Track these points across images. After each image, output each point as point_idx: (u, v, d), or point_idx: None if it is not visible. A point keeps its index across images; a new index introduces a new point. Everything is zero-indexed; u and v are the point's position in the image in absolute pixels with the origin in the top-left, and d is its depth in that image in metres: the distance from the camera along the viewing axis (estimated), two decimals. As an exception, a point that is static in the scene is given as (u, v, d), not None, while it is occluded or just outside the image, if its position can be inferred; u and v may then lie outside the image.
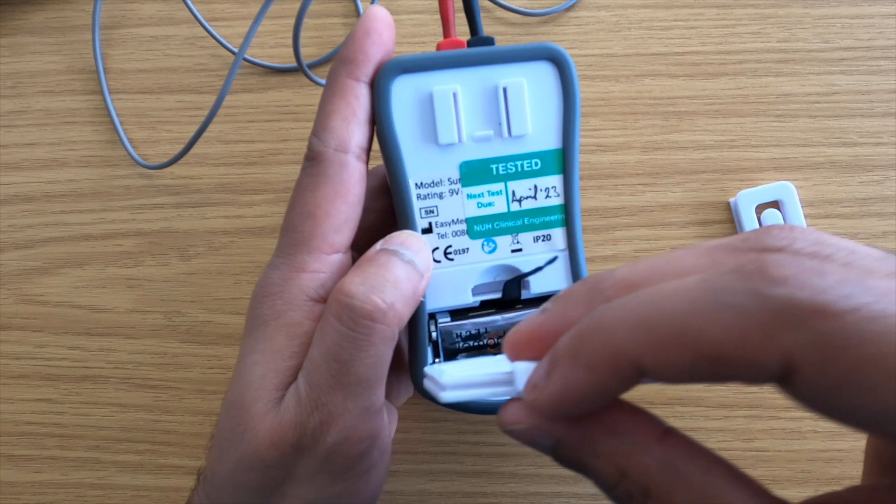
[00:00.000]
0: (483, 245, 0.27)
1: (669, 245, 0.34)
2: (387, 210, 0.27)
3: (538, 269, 0.27)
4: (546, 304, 0.20)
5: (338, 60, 0.25)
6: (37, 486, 0.34)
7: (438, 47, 0.27)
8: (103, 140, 0.36)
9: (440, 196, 0.26)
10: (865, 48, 0.35)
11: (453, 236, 0.27)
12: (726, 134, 0.35)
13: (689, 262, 0.18)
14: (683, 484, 0.18)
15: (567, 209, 0.27)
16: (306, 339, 0.24)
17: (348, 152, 0.25)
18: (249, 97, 0.36)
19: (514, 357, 0.20)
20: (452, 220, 0.27)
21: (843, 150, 0.35)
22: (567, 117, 0.26)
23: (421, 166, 0.26)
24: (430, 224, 0.26)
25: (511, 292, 0.27)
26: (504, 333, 0.28)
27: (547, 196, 0.27)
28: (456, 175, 0.26)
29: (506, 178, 0.26)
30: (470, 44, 0.27)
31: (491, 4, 0.36)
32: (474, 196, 0.27)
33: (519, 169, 0.26)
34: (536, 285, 0.27)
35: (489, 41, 0.27)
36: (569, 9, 0.36)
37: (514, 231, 0.27)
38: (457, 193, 0.26)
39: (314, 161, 0.25)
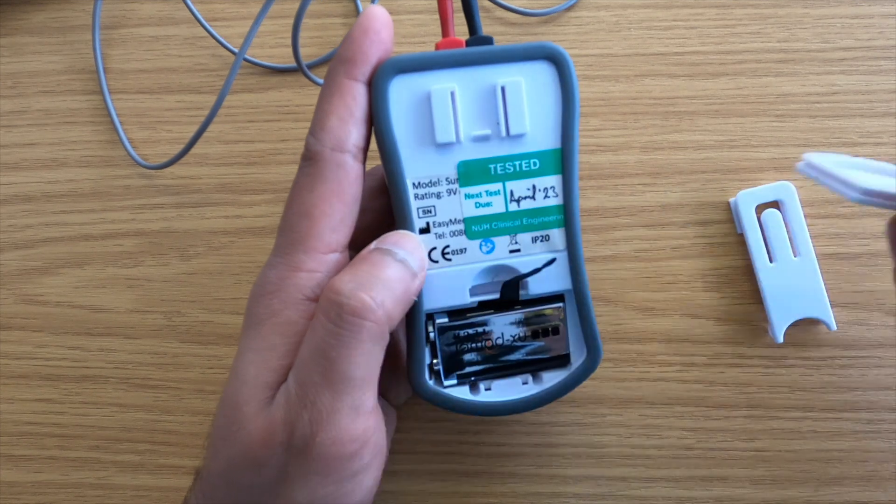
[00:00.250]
0: (481, 245, 0.27)
1: (669, 245, 0.34)
2: (385, 210, 0.27)
3: (536, 270, 0.27)
4: None
5: (336, 60, 0.25)
6: (37, 486, 0.35)
7: (437, 47, 0.27)
8: (103, 140, 0.36)
9: (438, 196, 0.26)
10: (865, 48, 0.35)
11: (451, 236, 0.27)
12: (726, 134, 0.35)
13: None
14: None
15: (566, 209, 0.27)
16: (301, 339, 0.24)
17: (345, 152, 0.25)
18: (249, 97, 0.36)
19: None
20: (450, 220, 0.26)
21: (843, 150, 0.34)
22: (566, 117, 0.26)
23: (418, 166, 0.26)
24: (427, 224, 0.26)
25: (509, 293, 0.27)
26: (502, 334, 0.28)
27: (545, 196, 0.27)
28: (454, 175, 0.26)
29: (504, 177, 0.26)
30: (469, 43, 0.27)
31: (490, 4, 0.36)
32: (472, 196, 0.26)
33: (517, 169, 0.26)
34: (535, 286, 0.27)
35: (488, 41, 0.27)
36: (569, 9, 0.36)
37: (513, 231, 0.27)
38: (455, 193, 0.26)
39: (311, 160, 0.25)
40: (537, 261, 0.27)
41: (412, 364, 0.27)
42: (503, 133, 0.26)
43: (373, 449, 0.25)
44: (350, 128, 0.25)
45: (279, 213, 0.26)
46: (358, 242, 0.26)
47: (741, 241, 0.34)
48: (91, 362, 0.35)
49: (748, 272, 0.34)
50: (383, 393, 0.30)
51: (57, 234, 0.36)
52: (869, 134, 0.34)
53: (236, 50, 0.36)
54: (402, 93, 0.26)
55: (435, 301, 0.27)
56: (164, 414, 0.35)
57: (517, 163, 0.26)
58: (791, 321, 0.33)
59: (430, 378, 0.28)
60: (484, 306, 0.28)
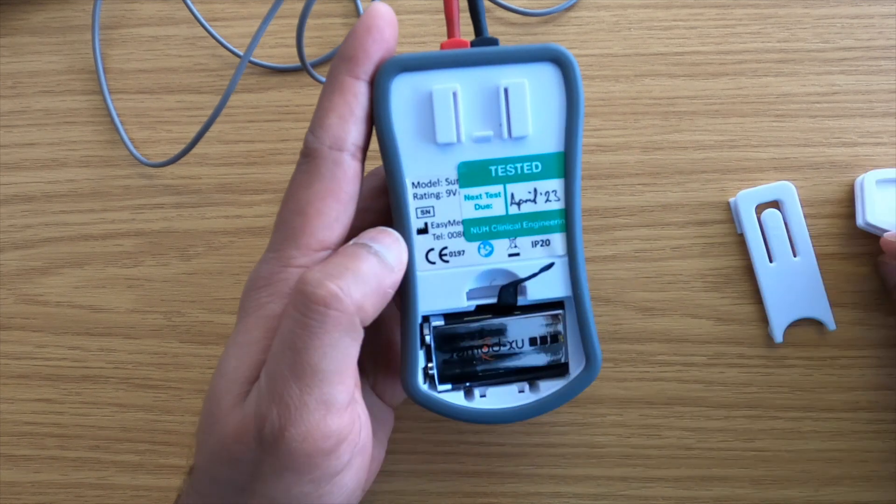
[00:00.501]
0: (479, 248, 0.26)
1: (669, 245, 0.34)
2: (387, 210, 0.27)
3: (533, 275, 0.27)
4: None
5: (338, 57, 0.25)
6: (37, 486, 0.35)
7: (442, 47, 0.26)
8: (103, 140, 0.36)
9: (437, 196, 0.26)
10: (865, 48, 0.35)
11: (449, 238, 0.26)
12: (726, 134, 0.35)
13: None
14: None
15: (568, 214, 0.26)
16: None
17: (343, 150, 0.25)
18: (250, 97, 0.36)
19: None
20: (449, 222, 0.26)
21: (843, 150, 0.34)
22: (570, 120, 0.26)
23: (418, 165, 0.26)
24: (425, 224, 0.26)
25: (507, 298, 0.27)
26: (499, 339, 0.27)
27: (547, 200, 0.26)
28: (454, 175, 0.26)
29: (505, 180, 0.26)
30: (474, 44, 0.27)
31: (491, 4, 0.36)
32: (472, 198, 0.26)
33: (519, 171, 0.26)
34: (534, 291, 0.27)
35: (493, 42, 0.27)
36: (569, 9, 0.36)
37: (512, 235, 0.26)
38: (454, 194, 0.26)
39: (309, 158, 0.25)
40: (536, 265, 0.27)
41: (405, 367, 0.27)
42: (505, 135, 0.26)
43: (352, 448, 0.24)
44: (350, 126, 0.25)
45: (279, 213, 0.26)
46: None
47: (741, 241, 0.34)
48: (91, 362, 0.35)
49: (748, 272, 0.34)
50: (379, 393, 0.30)
51: (57, 234, 0.36)
52: (869, 134, 0.34)
53: (237, 50, 0.36)
54: (403, 92, 0.25)
55: (431, 303, 0.26)
56: (164, 414, 0.35)
57: (519, 165, 0.26)
58: (791, 321, 0.33)
59: (425, 382, 0.27)
60: (482, 310, 0.27)
